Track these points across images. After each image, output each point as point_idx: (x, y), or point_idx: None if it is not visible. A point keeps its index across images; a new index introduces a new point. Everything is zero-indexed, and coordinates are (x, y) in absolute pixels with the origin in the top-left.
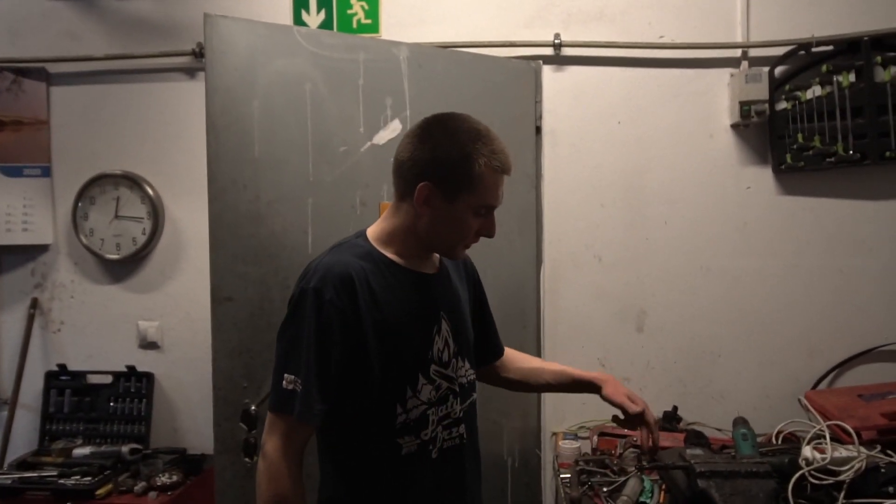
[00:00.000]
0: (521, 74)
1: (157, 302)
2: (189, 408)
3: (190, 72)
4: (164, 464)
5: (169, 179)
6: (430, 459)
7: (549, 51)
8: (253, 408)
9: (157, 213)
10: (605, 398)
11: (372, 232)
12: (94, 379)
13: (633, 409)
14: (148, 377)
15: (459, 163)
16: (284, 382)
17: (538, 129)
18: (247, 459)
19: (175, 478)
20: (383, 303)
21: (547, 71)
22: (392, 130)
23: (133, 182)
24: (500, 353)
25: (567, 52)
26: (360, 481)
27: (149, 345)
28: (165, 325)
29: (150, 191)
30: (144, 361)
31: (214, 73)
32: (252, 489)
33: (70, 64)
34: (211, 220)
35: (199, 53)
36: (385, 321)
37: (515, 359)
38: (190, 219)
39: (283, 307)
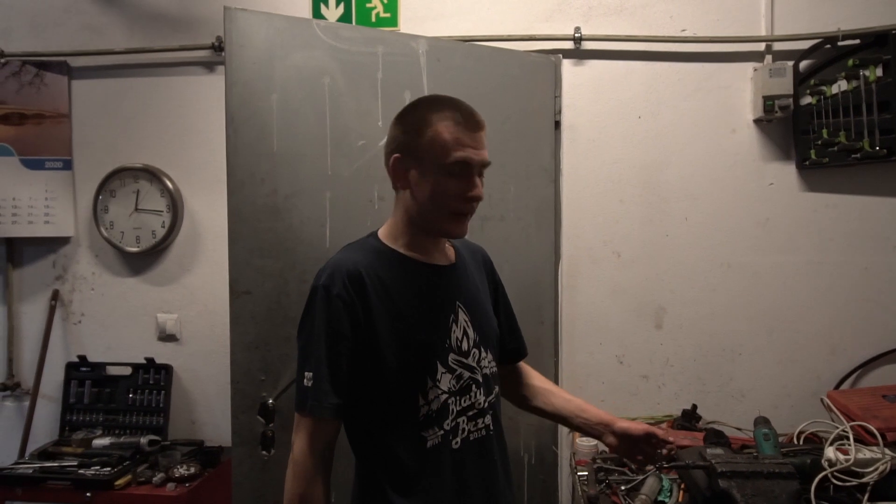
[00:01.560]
0: (540, 68)
1: (176, 295)
2: (206, 400)
3: (209, 66)
4: (181, 455)
5: (188, 173)
6: (451, 450)
7: (569, 44)
8: (270, 401)
9: (175, 207)
10: (621, 431)
11: (382, 231)
12: (113, 370)
13: (661, 433)
14: (166, 369)
15: (418, 126)
16: (305, 380)
17: (557, 124)
18: (264, 452)
19: (193, 469)
20: (395, 295)
21: (566, 65)
22: None
23: (153, 175)
24: (519, 354)
25: (587, 45)
26: (386, 477)
27: (167, 337)
28: (184, 318)
29: (169, 184)
30: (163, 354)
31: (234, 66)
32: (268, 481)
33: (91, 58)
34: (230, 214)
35: (218, 47)
36: (398, 313)
37: (530, 374)
38: (208, 212)
39: (301, 301)
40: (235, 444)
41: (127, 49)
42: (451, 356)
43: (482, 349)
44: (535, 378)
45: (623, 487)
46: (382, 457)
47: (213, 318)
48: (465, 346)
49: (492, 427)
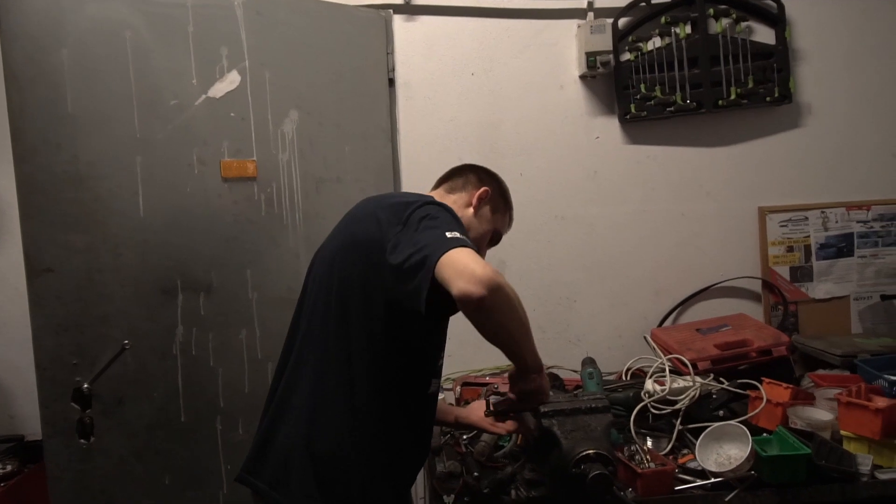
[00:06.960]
0: (370, 24)
1: None
2: (25, 392)
3: None
4: None
5: None
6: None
7: None
8: (86, 386)
9: None
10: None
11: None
12: None
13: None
14: None
15: (505, 196)
16: (449, 234)
17: (392, 82)
18: (82, 441)
19: (9, 467)
20: None
21: (398, 20)
22: (230, 83)
23: None
24: None
25: (418, 0)
26: (396, 411)
27: None
28: None
29: None
30: None
31: (12, 16)
32: (90, 471)
33: None
34: (19, 184)
35: None
36: None
37: None
38: (6, 184)
39: (116, 277)
40: (48, 435)
41: None
42: None
43: None
44: None
45: (465, 437)
46: (394, 396)
47: (26, 302)
48: None
49: None
